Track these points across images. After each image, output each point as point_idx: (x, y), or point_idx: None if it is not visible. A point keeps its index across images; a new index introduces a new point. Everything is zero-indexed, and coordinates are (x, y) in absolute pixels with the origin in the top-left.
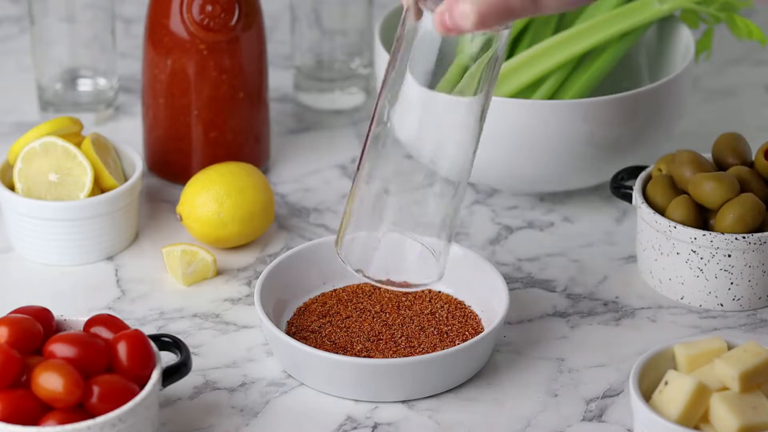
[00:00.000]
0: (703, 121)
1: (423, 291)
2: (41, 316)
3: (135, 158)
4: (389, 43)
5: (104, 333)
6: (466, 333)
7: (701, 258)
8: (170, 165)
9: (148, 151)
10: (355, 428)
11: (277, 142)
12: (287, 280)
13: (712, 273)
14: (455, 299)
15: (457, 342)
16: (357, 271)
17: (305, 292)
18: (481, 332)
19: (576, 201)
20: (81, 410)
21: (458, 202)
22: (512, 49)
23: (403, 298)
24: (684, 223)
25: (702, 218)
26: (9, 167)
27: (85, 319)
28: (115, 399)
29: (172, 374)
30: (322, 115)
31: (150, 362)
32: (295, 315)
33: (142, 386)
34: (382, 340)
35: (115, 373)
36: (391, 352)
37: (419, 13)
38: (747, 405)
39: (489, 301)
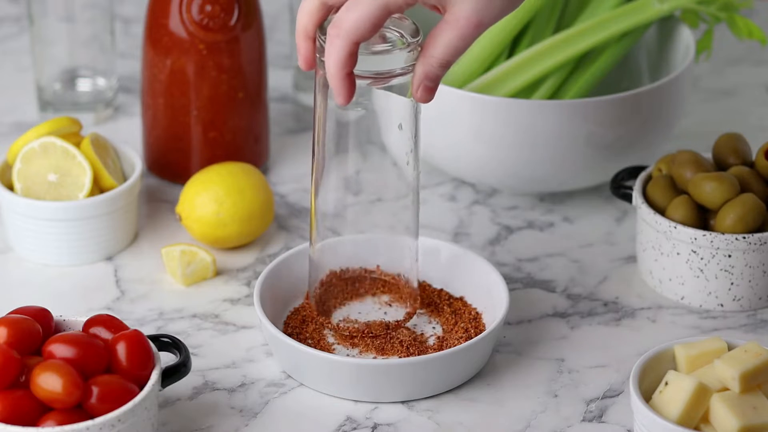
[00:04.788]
0: (703, 121)
1: (422, 291)
2: (40, 316)
3: (134, 158)
4: None
5: (103, 333)
6: (466, 333)
7: (701, 258)
8: (169, 165)
9: (147, 151)
10: (354, 428)
11: (276, 142)
12: (287, 281)
13: (712, 273)
14: (455, 299)
15: (457, 342)
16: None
17: (305, 293)
18: (481, 332)
19: (576, 201)
20: (80, 411)
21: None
22: (512, 49)
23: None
24: (684, 223)
25: (702, 218)
26: (8, 167)
27: (85, 319)
28: (114, 399)
29: (171, 375)
30: None
31: (149, 363)
32: (294, 315)
33: (141, 387)
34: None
35: (115, 374)
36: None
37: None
38: (747, 405)
39: (489, 301)
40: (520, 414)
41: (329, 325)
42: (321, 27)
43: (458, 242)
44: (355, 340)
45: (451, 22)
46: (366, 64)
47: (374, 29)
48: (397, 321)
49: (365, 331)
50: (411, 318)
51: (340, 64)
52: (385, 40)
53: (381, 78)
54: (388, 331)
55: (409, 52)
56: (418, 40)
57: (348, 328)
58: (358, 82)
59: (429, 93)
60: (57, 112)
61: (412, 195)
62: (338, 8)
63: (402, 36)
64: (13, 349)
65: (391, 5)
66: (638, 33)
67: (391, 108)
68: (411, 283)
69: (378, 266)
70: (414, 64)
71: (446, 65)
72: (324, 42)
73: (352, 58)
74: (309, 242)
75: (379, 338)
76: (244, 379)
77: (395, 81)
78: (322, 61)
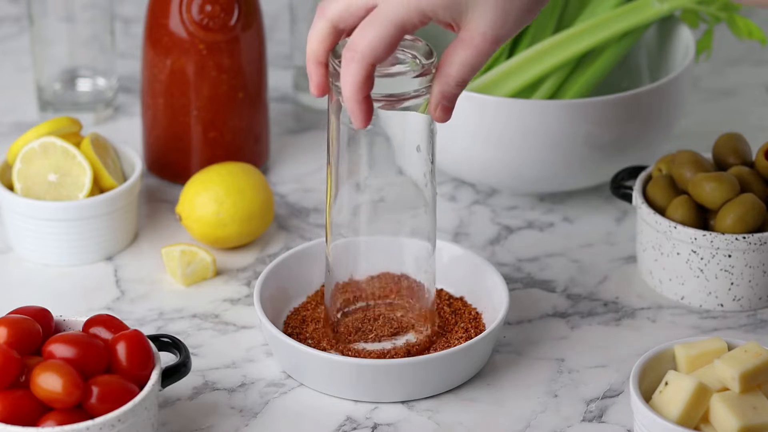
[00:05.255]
0: (703, 121)
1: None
2: (40, 316)
3: (134, 158)
4: None
5: (103, 333)
6: (466, 333)
7: (701, 258)
8: (169, 165)
9: (147, 151)
10: (354, 428)
11: (276, 142)
12: (287, 281)
13: (712, 273)
14: (455, 299)
15: (457, 342)
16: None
17: (305, 293)
18: (481, 332)
19: (576, 201)
20: (80, 411)
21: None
22: (512, 49)
23: (404, 298)
24: (684, 223)
25: (702, 218)
26: (8, 167)
27: (85, 319)
28: (114, 399)
29: (171, 375)
30: (322, 115)
31: (149, 363)
32: (294, 315)
33: (141, 387)
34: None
35: (115, 374)
36: (391, 352)
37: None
38: (747, 405)
39: (489, 301)
40: (520, 414)
41: (348, 352)
42: (333, 51)
43: (458, 242)
44: (357, 336)
45: (466, 39)
46: (381, 86)
47: (390, 50)
48: (418, 346)
49: (387, 356)
50: (431, 342)
51: (357, 88)
52: (399, 62)
53: (396, 100)
54: (409, 356)
55: (423, 73)
56: (432, 62)
57: (368, 353)
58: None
59: (446, 113)
60: (57, 112)
61: (430, 215)
62: (349, 32)
63: (415, 57)
64: (13, 349)
65: (406, 24)
66: (638, 33)
67: (409, 131)
68: (427, 306)
69: (394, 294)
70: (429, 86)
71: (463, 84)
72: (337, 66)
73: (369, 80)
74: (326, 268)
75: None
76: (244, 379)
77: (409, 103)
78: (336, 86)
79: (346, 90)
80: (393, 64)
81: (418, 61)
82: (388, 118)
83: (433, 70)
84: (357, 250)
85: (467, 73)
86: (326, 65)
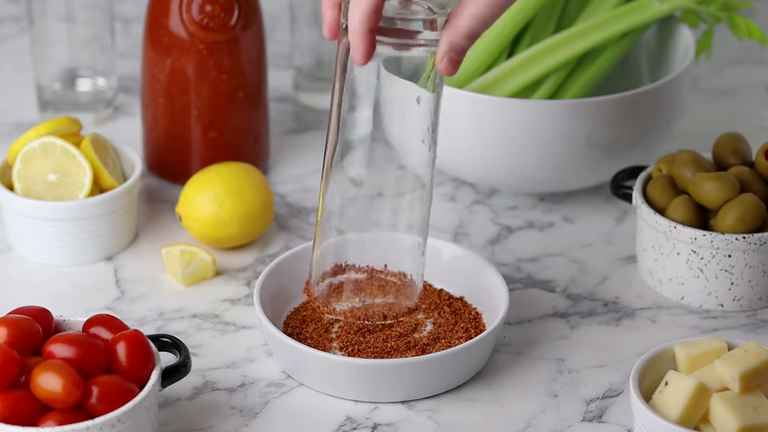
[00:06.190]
0: (703, 121)
1: (423, 291)
2: (40, 316)
3: (134, 158)
4: None
5: (103, 333)
6: (466, 333)
7: (701, 258)
8: (169, 165)
9: (147, 151)
10: (354, 428)
11: (276, 142)
12: (287, 281)
13: (712, 273)
14: (455, 299)
15: (457, 342)
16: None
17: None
18: (481, 332)
19: (576, 201)
20: (80, 411)
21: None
22: (512, 49)
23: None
24: (684, 223)
25: (702, 218)
26: (8, 167)
27: (85, 319)
28: (114, 399)
29: (171, 375)
30: (322, 115)
31: (149, 363)
32: (294, 315)
33: (141, 387)
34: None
35: (115, 374)
36: (391, 352)
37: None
38: (747, 405)
39: (489, 301)
40: (520, 414)
41: (330, 311)
42: None
43: (458, 242)
44: (357, 336)
45: None
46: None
47: None
48: (395, 314)
49: (363, 317)
50: (412, 313)
51: (365, 17)
52: (411, 10)
53: (403, 45)
54: (385, 321)
55: (433, 20)
56: (445, 11)
57: (344, 312)
58: (379, 47)
59: (453, 65)
60: (57, 112)
61: (423, 188)
62: None
63: (430, 8)
64: (13, 349)
65: None
66: (638, 33)
67: (411, 82)
68: (415, 282)
69: (386, 266)
70: (437, 40)
71: (473, 36)
72: (349, 5)
73: (376, 14)
74: (315, 221)
75: (378, 337)
76: (244, 379)
77: (417, 51)
78: (346, 30)
79: (352, 20)
80: (407, 11)
81: (431, 9)
82: (392, 80)
83: (445, 19)
84: (350, 239)
85: (478, 25)
86: (339, 6)
